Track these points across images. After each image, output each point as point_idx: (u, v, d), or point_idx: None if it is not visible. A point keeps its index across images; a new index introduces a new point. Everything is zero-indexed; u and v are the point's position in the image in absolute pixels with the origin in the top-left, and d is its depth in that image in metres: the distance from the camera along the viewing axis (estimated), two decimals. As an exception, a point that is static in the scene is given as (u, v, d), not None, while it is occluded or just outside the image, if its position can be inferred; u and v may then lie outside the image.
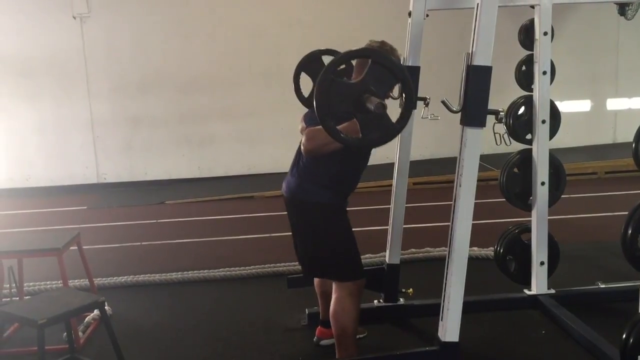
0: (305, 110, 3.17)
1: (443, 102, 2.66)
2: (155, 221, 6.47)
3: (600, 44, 8.66)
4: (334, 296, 2.92)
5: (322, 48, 3.32)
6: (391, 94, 2.67)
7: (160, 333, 3.72)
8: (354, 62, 2.89)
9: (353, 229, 2.97)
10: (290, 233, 3.09)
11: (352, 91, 2.23)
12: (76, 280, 4.33)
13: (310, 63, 3.35)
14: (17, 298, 3.74)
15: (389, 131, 2.26)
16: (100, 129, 8.18)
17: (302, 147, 2.71)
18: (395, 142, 3.53)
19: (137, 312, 4.04)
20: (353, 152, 2.73)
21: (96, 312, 3.68)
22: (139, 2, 7.97)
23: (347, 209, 3.00)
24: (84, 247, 3.85)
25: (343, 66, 2.79)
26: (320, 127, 2.37)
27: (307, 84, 3.29)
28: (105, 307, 3.06)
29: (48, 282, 4.43)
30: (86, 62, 8.02)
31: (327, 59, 3.26)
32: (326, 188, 2.85)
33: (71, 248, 3.67)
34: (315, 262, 3.00)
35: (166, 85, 8.17)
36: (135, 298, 4.28)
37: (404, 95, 2.28)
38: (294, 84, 3.37)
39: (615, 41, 8.67)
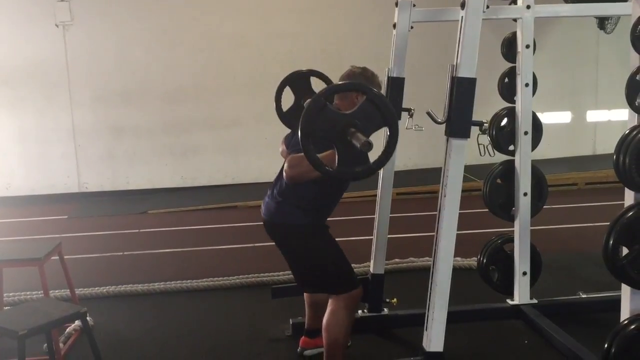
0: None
1: (428, 114, 2.68)
2: (137, 231, 6.42)
3: (580, 57, 8.80)
4: (329, 308, 2.92)
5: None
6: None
7: (143, 344, 3.68)
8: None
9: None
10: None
11: (340, 121, 2.20)
12: (57, 291, 4.28)
13: (296, 80, 3.37)
14: (-3, 309, 3.69)
15: (365, 170, 2.26)
16: (82, 138, 8.11)
17: (284, 173, 2.67)
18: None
19: (119, 323, 4.00)
20: (332, 180, 2.72)
21: (78, 322, 3.63)
22: (123, 11, 7.94)
23: (332, 218, 3.01)
24: (66, 256, 3.81)
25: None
26: (301, 154, 2.37)
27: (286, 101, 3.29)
28: (87, 318, 3.03)
29: (29, 293, 4.36)
30: (69, 71, 7.96)
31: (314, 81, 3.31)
32: (305, 210, 2.86)
33: (52, 258, 3.62)
34: (307, 279, 3.05)
35: (150, 94, 8.13)
36: (118, 308, 4.23)
37: (387, 140, 2.27)
38: (276, 100, 3.36)
39: (595, 54, 8.81)
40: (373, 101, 2.23)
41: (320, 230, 2.95)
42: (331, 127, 2.20)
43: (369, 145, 2.09)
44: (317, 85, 3.42)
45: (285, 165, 2.67)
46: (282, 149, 3.22)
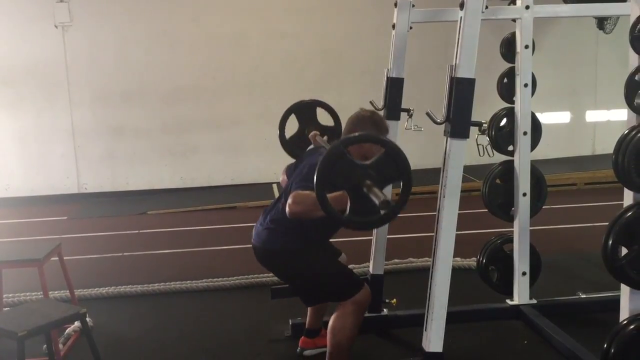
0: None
1: (427, 114, 2.69)
2: (137, 231, 6.42)
3: (579, 57, 8.79)
4: (336, 312, 2.91)
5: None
6: None
7: (143, 345, 3.68)
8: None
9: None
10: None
11: (356, 172, 2.21)
12: (57, 292, 4.28)
13: (302, 109, 3.44)
14: (-4, 310, 3.69)
15: (375, 221, 2.28)
16: (81, 138, 8.10)
17: (287, 208, 2.64)
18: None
19: (119, 324, 4.00)
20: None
21: (77, 323, 3.63)
22: (122, 12, 7.94)
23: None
24: (65, 257, 3.81)
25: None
26: (308, 192, 2.36)
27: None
28: (87, 319, 3.03)
29: (28, 293, 4.36)
30: (68, 72, 7.95)
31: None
32: (297, 238, 2.88)
33: (52, 259, 3.63)
34: (308, 296, 3.06)
35: (149, 95, 8.12)
36: (117, 309, 4.23)
37: (401, 193, 2.27)
38: (280, 128, 3.41)
39: (594, 54, 8.81)
40: (390, 155, 2.24)
41: (309, 247, 2.93)
42: (347, 177, 2.20)
43: (388, 205, 2.09)
44: (320, 114, 3.49)
45: (290, 200, 2.63)
46: (282, 179, 3.24)
